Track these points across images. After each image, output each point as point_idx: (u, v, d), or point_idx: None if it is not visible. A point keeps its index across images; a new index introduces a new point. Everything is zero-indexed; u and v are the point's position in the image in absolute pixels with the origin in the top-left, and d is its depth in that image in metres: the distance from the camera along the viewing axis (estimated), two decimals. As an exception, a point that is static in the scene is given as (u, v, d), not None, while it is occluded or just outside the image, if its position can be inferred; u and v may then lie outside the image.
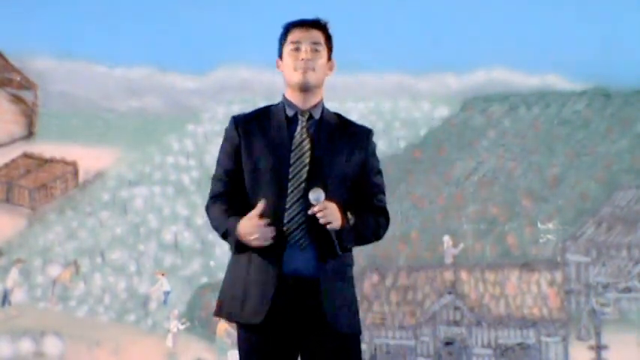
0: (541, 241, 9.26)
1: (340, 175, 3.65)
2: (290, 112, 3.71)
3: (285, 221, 3.60)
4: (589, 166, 9.46)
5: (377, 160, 3.77)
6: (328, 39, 3.75)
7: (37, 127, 10.12)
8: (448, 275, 9.23)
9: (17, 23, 9.94)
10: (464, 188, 9.55)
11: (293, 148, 3.65)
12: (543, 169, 9.52)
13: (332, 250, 3.59)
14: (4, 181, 10.11)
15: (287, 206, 3.60)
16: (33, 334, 9.44)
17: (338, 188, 3.63)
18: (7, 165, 10.13)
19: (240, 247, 3.63)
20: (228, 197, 3.73)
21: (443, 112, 9.91)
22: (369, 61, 9.27)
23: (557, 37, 9.43)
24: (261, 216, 3.56)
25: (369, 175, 3.72)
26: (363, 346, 9.03)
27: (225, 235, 3.70)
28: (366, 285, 9.10)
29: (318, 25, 3.73)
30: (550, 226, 9.27)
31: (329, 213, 3.52)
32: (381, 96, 9.61)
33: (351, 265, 3.72)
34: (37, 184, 10.09)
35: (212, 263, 9.77)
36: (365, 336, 9.01)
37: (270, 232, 3.55)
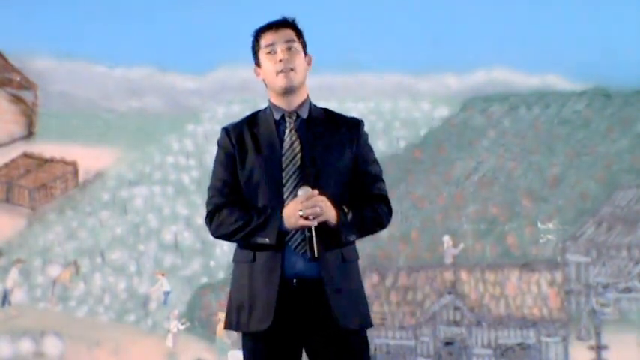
0: (541, 241, 9.26)
1: (334, 172, 3.63)
2: (277, 116, 3.69)
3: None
4: (589, 166, 9.45)
5: (370, 150, 3.75)
6: (300, 35, 3.71)
7: (37, 127, 10.12)
8: (448, 275, 9.23)
9: (17, 23, 9.94)
10: (464, 188, 9.55)
11: (284, 151, 3.64)
12: (543, 169, 9.51)
13: (332, 243, 3.57)
14: (4, 181, 10.11)
15: None
16: (33, 334, 9.43)
17: (333, 185, 3.62)
18: (7, 165, 10.13)
19: (279, 238, 3.56)
20: (233, 205, 3.68)
21: (443, 112, 9.91)
22: (369, 61, 9.26)
23: (557, 37, 9.43)
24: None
25: (364, 166, 3.70)
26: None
27: (256, 230, 3.60)
28: (366, 285, 9.10)
29: (286, 23, 3.73)
30: (550, 226, 9.27)
31: (318, 206, 3.50)
32: (381, 96, 9.61)
33: (354, 259, 3.70)
34: (37, 184, 10.09)
35: (212, 263, 9.77)
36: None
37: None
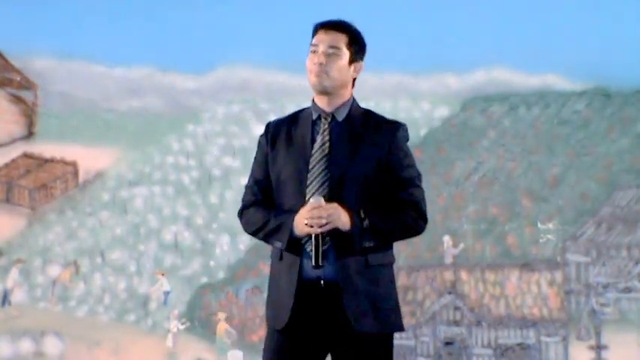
0: (541, 241, 9.26)
1: (360, 177, 3.61)
2: (314, 115, 3.69)
3: None
4: (589, 166, 9.45)
5: (405, 155, 3.70)
6: (352, 41, 3.70)
7: (37, 127, 10.12)
8: (448, 275, 9.23)
9: (17, 23, 9.94)
10: (464, 188, 9.55)
11: (313, 152, 3.63)
12: (543, 169, 9.51)
13: (347, 249, 3.57)
14: (4, 181, 10.11)
15: None
16: (33, 334, 9.43)
17: (358, 191, 3.60)
18: (7, 165, 10.13)
19: (291, 243, 3.59)
20: (259, 205, 3.71)
21: (443, 112, 9.91)
22: (369, 61, 9.26)
23: (557, 37, 9.42)
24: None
25: (396, 171, 3.66)
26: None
27: (271, 233, 3.64)
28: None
29: (339, 27, 3.71)
30: (550, 226, 9.27)
31: (324, 216, 3.50)
32: (381, 96, 9.61)
33: (384, 264, 3.67)
34: (37, 184, 10.09)
35: (212, 263, 9.77)
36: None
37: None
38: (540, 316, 9.09)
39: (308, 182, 3.61)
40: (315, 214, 3.50)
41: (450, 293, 9.15)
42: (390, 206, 3.63)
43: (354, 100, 3.76)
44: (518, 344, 9.08)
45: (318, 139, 3.66)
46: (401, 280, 9.07)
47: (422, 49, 9.44)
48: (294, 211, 3.58)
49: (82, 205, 10.05)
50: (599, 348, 8.98)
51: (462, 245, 9.32)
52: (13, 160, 10.14)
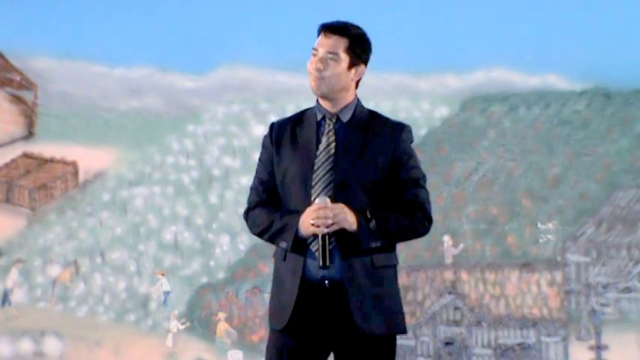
0: (541, 241, 9.26)
1: (366, 178, 3.62)
2: (319, 116, 3.69)
3: None
4: (589, 166, 9.45)
5: (411, 156, 3.71)
6: (353, 45, 3.69)
7: (37, 127, 10.12)
8: (448, 275, 9.23)
9: (17, 23, 9.94)
10: (464, 188, 9.55)
11: (318, 152, 3.63)
12: (543, 169, 9.51)
13: (353, 249, 3.57)
14: (4, 181, 10.11)
15: None
16: (33, 334, 9.43)
17: (363, 192, 3.60)
18: (7, 165, 10.13)
19: (296, 243, 3.59)
20: (264, 206, 3.70)
21: (443, 112, 9.91)
22: (369, 61, 9.25)
23: (557, 37, 9.43)
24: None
25: (401, 172, 3.67)
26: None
27: (277, 233, 3.64)
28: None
29: (340, 30, 3.69)
30: (550, 226, 9.27)
31: (331, 216, 3.50)
32: (381, 96, 9.61)
33: (389, 265, 3.68)
34: (37, 184, 10.09)
35: (212, 263, 9.77)
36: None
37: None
38: (540, 316, 9.09)
39: (313, 183, 3.61)
40: (322, 215, 3.49)
41: (450, 293, 9.15)
42: (395, 207, 3.63)
43: (358, 100, 3.76)
44: (518, 344, 9.08)
45: (323, 140, 3.66)
46: (401, 280, 9.01)
47: (422, 49, 9.44)
48: (299, 212, 3.58)
49: (82, 205, 10.05)
50: (599, 348, 8.98)
51: (461, 245, 9.32)
52: (13, 160, 10.14)
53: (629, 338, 8.96)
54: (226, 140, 10.09)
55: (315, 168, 3.62)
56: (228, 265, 9.71)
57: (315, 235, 3.54)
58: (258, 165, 3.80)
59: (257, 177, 3.78)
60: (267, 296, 8.69)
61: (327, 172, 3.61)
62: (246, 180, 3.66)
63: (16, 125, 10.16)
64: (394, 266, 3.72)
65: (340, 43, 3.66)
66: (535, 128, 9.73)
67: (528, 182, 9.49)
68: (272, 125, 3.80)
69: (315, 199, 3.57)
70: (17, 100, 10.16)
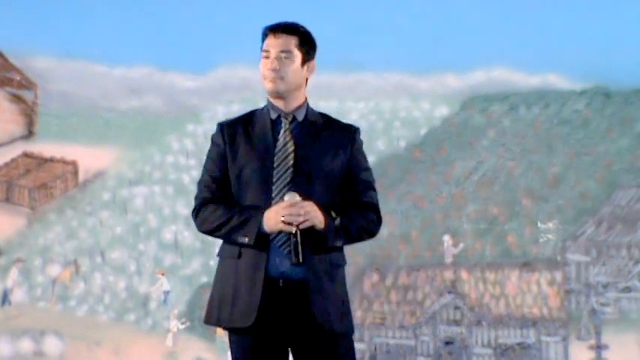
0: (541, 240, 9.27)
1: (325, 176, 3.65)
2: (273, 115, 3.73)
3: None
4: (589, 165, 9.46)
5: (364, 158, 3.76)
6: (304, 41, 3.72)
7: (37, 126, 10.13)
8: (448, 275, 9.23)
9: (17, 23, 9.95)
10: (464, 188, 9.55)
11: (277, 151, 3.66)
12: (543, 169, 9.52)
13: (318, 247, 3.59)
14: (4, 180, 10.11)
15: None
16: (33, 334, 9.44)
17: (323, 187, 3.64)
18: (7, 165, 10.14)
19: (258, 238, 3.58)
20: (218, 202, 3.70)
21: (443, 111, 9.92)
22: (369, 61, 9.27)
23: (557, 37, 9.44)
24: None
25: (356, 173, 3.71)
26: (363, 346, 9.04)
27: (236, 228, 3.63)
28: (366, 284, 9.10)
29: (288, 29, 3.71)
30: (550, 225, 9.28)
31: (302, 213, 3.52)
32: (381, 96, 9.61)
33: (341, 265, 3.71)
34: (37, 183, 10.09)
35: (212, 263, 9.77)
36: (365, 336, 9.01)
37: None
38: (540, 316, 9.09)
39: (274, 180, 3.63)
40: (294, 211, 3.51)
41: (450, 293, 9.16)
42: (350, 207, 3.66)
43: (307, 101, 3.79)
44: (518, 344, 9.08)
45: (281, 138, 3.69)
46: (401, 279, 9.07)
47: (422, 49, 9.44)
48: (259, 207, 3.59)
49: (82, 205, 10.05)
50: (599, 348, 8.98)
51: (462, 245, 9.32)
52: (13, 160, 10.14)
53: (629, 338, 8.97)
54: (226, 140, 10.09)
55: (275, 165, 3.64)
56: (228, 264, 9.71)
57: (281, 232, 3.56)
58: (208, 162, 3.82)
59: (207, 174, 3.78)
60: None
61: (288, 168, 3.64)
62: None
63: (16, 125, 10.17)
64: (344, 266, 3.74)
65: (291, 41, 3.70)
66: (535, 128, 9.74)
67: (528, 182, 9.50)
68: (222, 124, 3.86)
69: (277, 195, 3.59)
70: (17, 99, 10.17)
